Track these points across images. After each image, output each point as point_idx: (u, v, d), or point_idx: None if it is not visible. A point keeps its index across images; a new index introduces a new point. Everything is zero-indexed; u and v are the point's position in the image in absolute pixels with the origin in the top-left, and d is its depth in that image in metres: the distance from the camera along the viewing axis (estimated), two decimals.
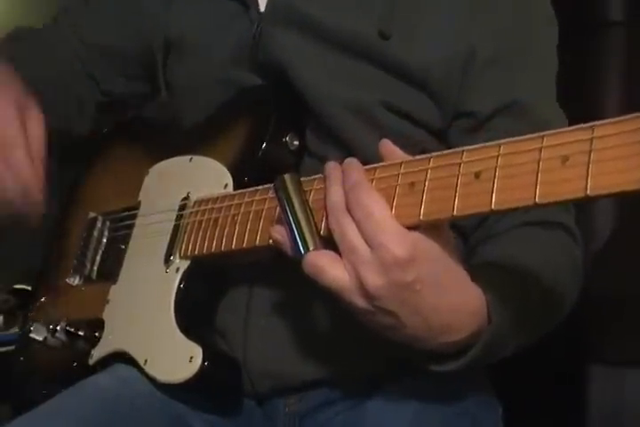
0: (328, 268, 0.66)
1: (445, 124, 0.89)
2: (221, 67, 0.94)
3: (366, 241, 0.65)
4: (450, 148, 0.87)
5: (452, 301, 0.67)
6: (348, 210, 0.67)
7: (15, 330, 1.16)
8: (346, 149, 0.88)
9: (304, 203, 0.71)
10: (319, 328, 0.88)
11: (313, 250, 0.68)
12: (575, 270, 0.85)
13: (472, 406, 0.89)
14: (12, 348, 1.07)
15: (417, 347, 0.70)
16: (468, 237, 0.89)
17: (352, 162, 0.71)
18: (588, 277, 0.85)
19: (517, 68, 0.88)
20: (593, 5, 1.18)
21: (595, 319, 0.99)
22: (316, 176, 0.75)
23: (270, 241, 0.76)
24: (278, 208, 0.73)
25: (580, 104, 0.93)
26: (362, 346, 0.81)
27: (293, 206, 0.70)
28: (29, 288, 1.15)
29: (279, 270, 0.80)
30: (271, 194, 0.79)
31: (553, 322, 0.83)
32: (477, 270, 0.72)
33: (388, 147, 0.72)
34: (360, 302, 0.66)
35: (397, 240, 0.64)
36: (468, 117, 0.88)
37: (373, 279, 0.64)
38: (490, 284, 0.71)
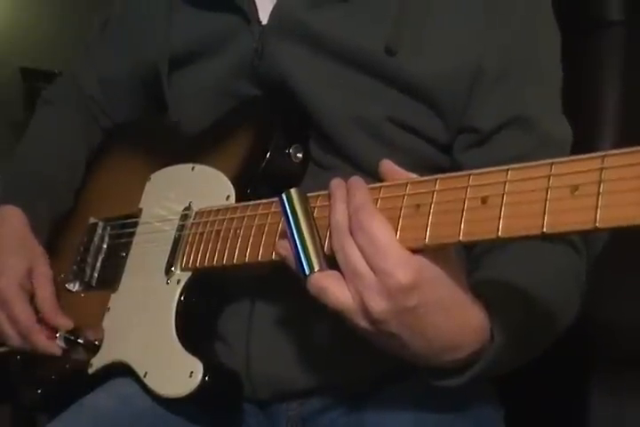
0: (332, 289, 0.66)
1: (451, 138, 0.89)
2: (222, 79, 0.93)
3: (370, 266, 0.65)
4: (455, 162, 0.90)
5: (454, 322, 0.67)
6: (351, 232, 0.66)
7: None
8: (351, 161, 0.87)
9: (310, 220, 0.69)
10: (321, 336, 0.88)
11: (318, 271, 0.67)
12: (578, 285, 0.85)
13: (474, 407, 0.89)
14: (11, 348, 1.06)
15: (420, 364, 0.70)
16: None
17: (357, 181, 0.70)
18: (591, 282, 0.85)
19: (523, 82, 0.87)
20: (592, 5, 1.16)
21: (597, 333, 0.98)
22: (320, 193, 0.74)
23: (273, 256, 0.75)
24: (283, 224, 0.71)
25: (578, 104, 0.92)
26: (364, 354, 0.80)
27: (299, 224, 0.69)
28: None
29: (281, 279, 0.80)
30: (274, 208, 0.79)
31: (553, 338, 0.82)
32: (481, 287, 0.72)
33: (388, 166, 0.71)
34: (363, 323, 0.66)
35: (401, 266, 0.64)
36: (473, 132, 0.87)
37: (377, 304, 0.64)
38: (493, 302, 0.71)
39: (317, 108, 0.87)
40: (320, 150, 0.89)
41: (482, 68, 0.85)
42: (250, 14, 0.92)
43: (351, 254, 0.65)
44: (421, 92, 0.85)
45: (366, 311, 0.65)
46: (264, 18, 0.91)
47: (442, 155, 0.90)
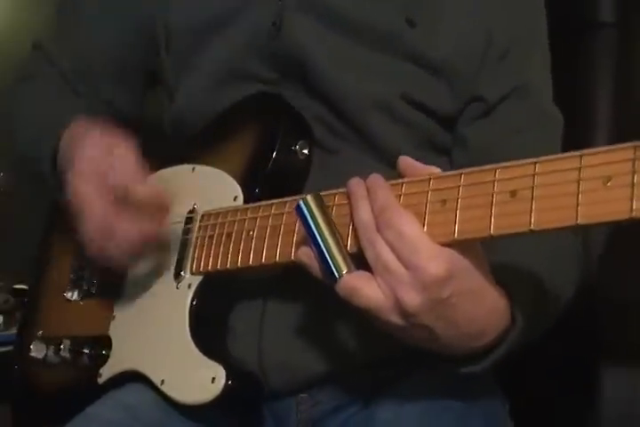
0: (365, 289, 0.66)
1: (458, 110, 0.90)
2: (232, 57, 0.91)
3: (401, 262, 0.65)
4: (458, 137, 0.91)
5: (484, 309, 0.69)
6: (378, 230, 0.66)
7: (15, 330, 1.13)
8: (361, 141, 0.88)
9: (331, 225, 0.69)
10: (333, 325, 0.87)
11: (347, 273, 0.67)
12: (578, 262, 0.87)
13: (482, 401, 0.90)
14: (11, 348, 1.03)
15: (445, 353, 0.72)
16: None
17: (377, 179, 0.70)
18: (601, 273, 0.86)
19: (527, 53, 0.90)
20: (584, 6, 1.19)
21: (608, 316, 1.00)
22: (336, 191, 0.73)
23: (292, 257, 0.75)
24: (303, 230, 0.70)
25: (571, 105, 0.94)
26: (374, 341, 0.80)
27: (321, 230, 0.68)
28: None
29: (293, 273, 0.79)
30: (288, 208, 0.78)
31: (558, 314, 0.84)
32: (497, 272, 0.72)
33: (407, 161, 0.71)
34: (396, 319, 0.67)
35: (433, 259, 0.64)
36: (480, 102, 0.89)
37: (411, 298, 0.65)
38: (510, 287, 0.72)
39: (334, 86, 0.87)
40: (328, 133, 0.89)
41: (492, 39, 0.88)
42: None
43: (381, 251, 0.66)
44: (437, 65, 0.87)
45: (399, 306, 0.65)
46: None
47: (447, 133, 0.92)
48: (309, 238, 0.69)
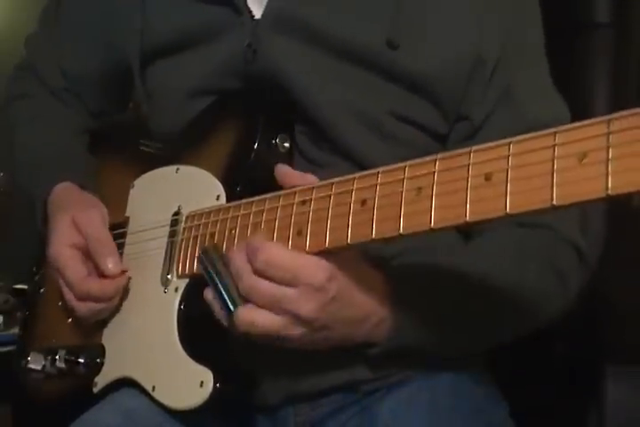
0: (259, 319, 0.72)
1: (449, 129, 0.87)
2: (208, 76, 0.89)
3: (285, 284, 0.71)
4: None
5: (363, 295, 0.75)
6: (256, 272, 0.72)
7: (15, 330, 1.13)
8: (348, 157, 0.86)
9: (227, 269, 0.75)
10: None
11: (240, 306, 0.73)
12: (552, 271, 0.84)
13: (484, 403, 0.88)
14: (11, 348, 1.03)
15: (349, 344, 0.77)
16: None
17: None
18: (603, 275, 0.84)
19: (516, 66, 0.86)
20: (579, 7, 1.17)
21: (611, 318, 0.98)
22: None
23: None
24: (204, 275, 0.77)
25: (567, 104, 0.92)
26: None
27: (218, 274, 0.75)
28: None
29: None
30: (268, 205, 0.77)
31: (525, 326, 0.85)
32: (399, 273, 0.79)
33: (283, 170, 0.78)
34: (299, 330, 0.73)
35: (314, 268, 0.71)
36: (467, 120, 0.86)
37: (307, 309, 0.71)
38: (400, 288, 0.77)
39: (316, 105, 0.84)
40: (316, 148, 0.87)
41: (481, 55, 0.84)
42: (240, 6, 0.87)
43: (262, 287, 0.71)
44: (423, 84, 0.84)
45: (299, 318, 0.72)
46: (255, 10, 0.88)
47: (440, 146, 0.88)
48: (209, 281, 0.76)
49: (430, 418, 0.83)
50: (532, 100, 0.87)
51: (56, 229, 0.93)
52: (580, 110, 0.89)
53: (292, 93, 0.85)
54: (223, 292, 0.74)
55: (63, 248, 0.91)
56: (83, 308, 0.89)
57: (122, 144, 1.06)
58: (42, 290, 1.03)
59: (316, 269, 0.71)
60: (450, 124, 0.87)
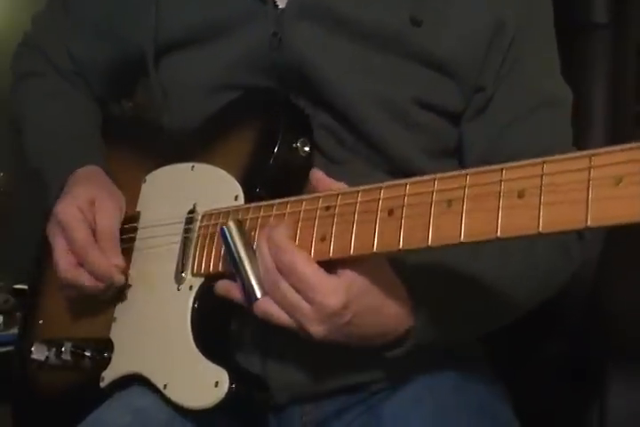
0: (275, 315, 0.73)
1: (466, 106, 0.88)
2: (231, 68, 0.88)
3: (304, 298, 0.71)
4: (462, 135, 0.89)
5: (383, 317, 0.75)
6: (280, 271, 0.72)
7: (15, 330, 1.12)
8: (368, 152, 0.86)
9: (250, 250, 0.75)
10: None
11: (261, 296, 0.74)
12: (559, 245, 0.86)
13: (489, 401, 0.89)
14: (11, 348, 1.02)
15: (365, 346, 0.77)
16: None
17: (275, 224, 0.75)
18: (604, 275, 0.85)
19: (529, 40, 0.87)
20: (577, 8, 1.18)
21: (613, 317, 0.99)
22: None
23: None
24: (226, 254, 0.77)
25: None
26: (377, 355, 0.80)
27: (240, 254, 0.75)
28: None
29: None
30: (290, 209, 0.76)
31: (509, 315, 0.86)
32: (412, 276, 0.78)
33: (317, 175, 0.76)
34: (311, 331, 0.73)
35: (331, 294, 0.70)
36: (482, 92, 0.87)
37: (315, 329, 0.72)
38: (416, 289, 0.77)
39: (341, 94, 0.85)
40: (335, 142, 0.87)
41: (503, 20, 0.85)
42: None
43: (285, 291, 0.72)
44: (447, 62, 0.85)
45: (307, 332, 0.73)
46: (281, 1, 0.87)
47: (451, 126, 0.89)
48: (230, 262, 0.75)
49: (436, 417, 0.84)
50: (542, 74, 0.89)
51: (73, 193, 0.93)
52: (578, 110, 0.91)
53: (318, 83, 0.85)
54: (252, 278, 0.74)
55: (74, 209, 0.90)
56: (82, 276, 0.89)
57: (130, 137, 1.05)
58: (45, 279, 1.02)
59: (333, 293, 0.70)
60: (467, 101, 0.88)
